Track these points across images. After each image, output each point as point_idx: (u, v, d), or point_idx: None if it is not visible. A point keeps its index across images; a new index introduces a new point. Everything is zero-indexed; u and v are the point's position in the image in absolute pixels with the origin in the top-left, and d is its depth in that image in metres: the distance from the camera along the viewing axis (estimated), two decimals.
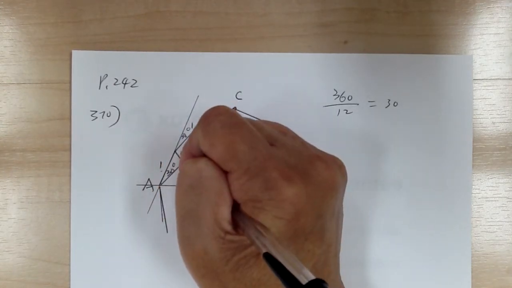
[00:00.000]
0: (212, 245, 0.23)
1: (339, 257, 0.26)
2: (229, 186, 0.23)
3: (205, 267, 0.23)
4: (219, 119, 0.24)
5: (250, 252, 0.23)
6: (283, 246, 0.20)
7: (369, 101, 0.32)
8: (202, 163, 0.24)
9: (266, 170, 0.22)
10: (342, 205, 0.26)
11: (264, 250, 0.20)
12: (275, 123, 0.27)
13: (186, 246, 0.24)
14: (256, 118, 0.32)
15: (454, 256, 0.32)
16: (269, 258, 0.20)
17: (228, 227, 0.23)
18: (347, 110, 0.32)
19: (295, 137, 0.27)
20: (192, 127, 0.32)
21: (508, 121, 0.33)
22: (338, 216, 0.25)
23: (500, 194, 0.33)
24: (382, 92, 0.32)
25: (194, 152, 0.25)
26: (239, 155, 0.23)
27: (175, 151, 0.32)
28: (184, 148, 0.27)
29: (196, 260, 0.24)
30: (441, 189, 0.32)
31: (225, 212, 0.23)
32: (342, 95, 0.32)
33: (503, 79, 0.33)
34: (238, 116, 0.24)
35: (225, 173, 0.23)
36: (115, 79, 0.32)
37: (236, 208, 0.23)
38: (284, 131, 0.27)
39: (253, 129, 0.24)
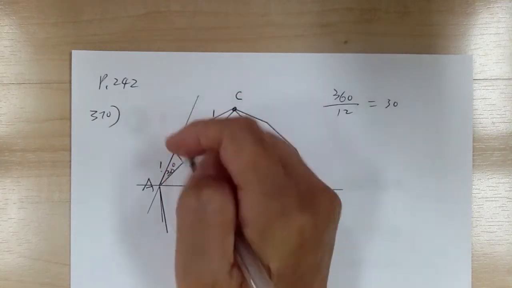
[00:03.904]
0: (220, 278, 0.22)
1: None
2: (237, 204, 0.22)
3: None
4: (252, 130, 0.23)
5: None
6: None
7: (369, 101, 0.32)
8: (206, 195, 0.22)
9: (284, 196, 0.22)
10: (334, 240, 0.26)
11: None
12: (285, 142, 0.27)
13: (191, 279, 0.23)
14: (256, 118, 0.32)
15: (454, 256, 0.32)
16: None
17: (232, 259, 0.22)
18: (347, 110, 0.32)
19: (300, 161, 0.26)
20: None
21: (508, 121, 0.33)
22: (331, 250, 0.25)
23: (500, 194, 0.33)
24: (382, 92, 0.32)
25: (190, 143, 0.24)
26: (262, 169, 0.22)
27: None
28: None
29: None
30: (441, 189, 0.32)
31: (231, 244, 0.22)
32: (342, 95, 0.32)
33: (503, 79, 0.33)
34: (266, 136, 0.24)
35: (233, 190, 0.22)
36: (115, 79, 0.32)
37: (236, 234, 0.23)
38: (292, 153, 0.26)
39: (275, 155, 0.23)
